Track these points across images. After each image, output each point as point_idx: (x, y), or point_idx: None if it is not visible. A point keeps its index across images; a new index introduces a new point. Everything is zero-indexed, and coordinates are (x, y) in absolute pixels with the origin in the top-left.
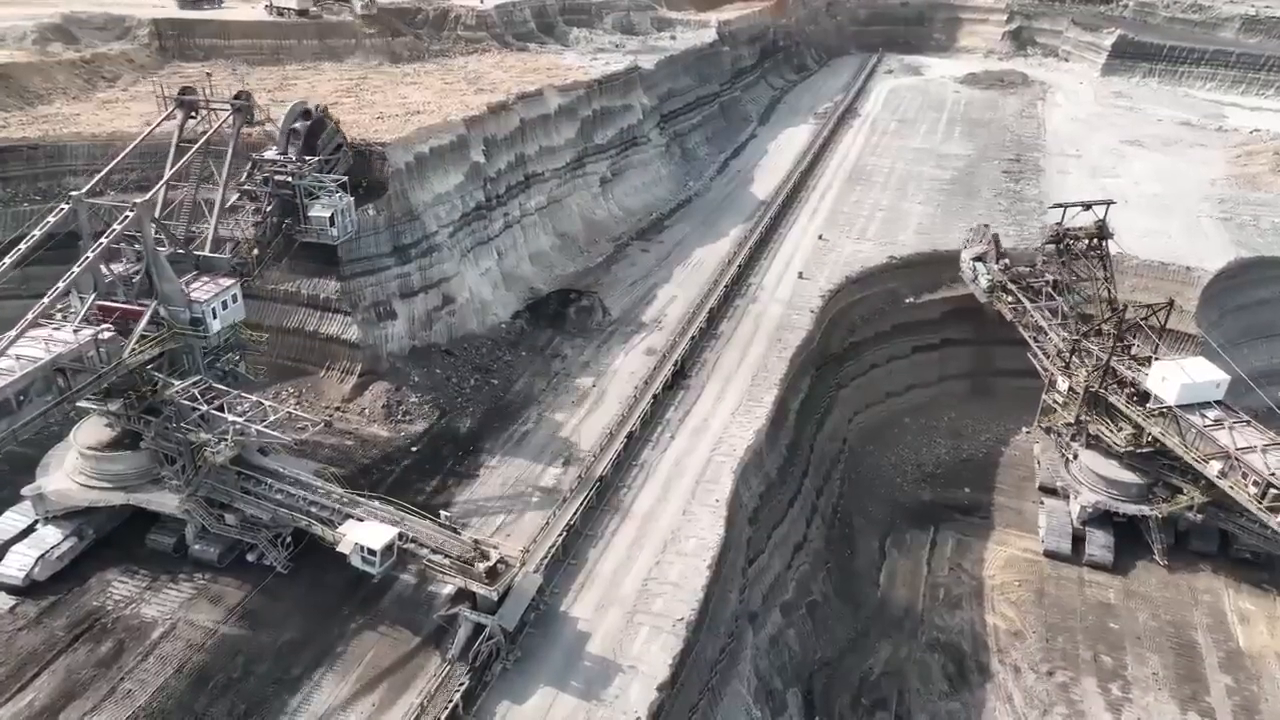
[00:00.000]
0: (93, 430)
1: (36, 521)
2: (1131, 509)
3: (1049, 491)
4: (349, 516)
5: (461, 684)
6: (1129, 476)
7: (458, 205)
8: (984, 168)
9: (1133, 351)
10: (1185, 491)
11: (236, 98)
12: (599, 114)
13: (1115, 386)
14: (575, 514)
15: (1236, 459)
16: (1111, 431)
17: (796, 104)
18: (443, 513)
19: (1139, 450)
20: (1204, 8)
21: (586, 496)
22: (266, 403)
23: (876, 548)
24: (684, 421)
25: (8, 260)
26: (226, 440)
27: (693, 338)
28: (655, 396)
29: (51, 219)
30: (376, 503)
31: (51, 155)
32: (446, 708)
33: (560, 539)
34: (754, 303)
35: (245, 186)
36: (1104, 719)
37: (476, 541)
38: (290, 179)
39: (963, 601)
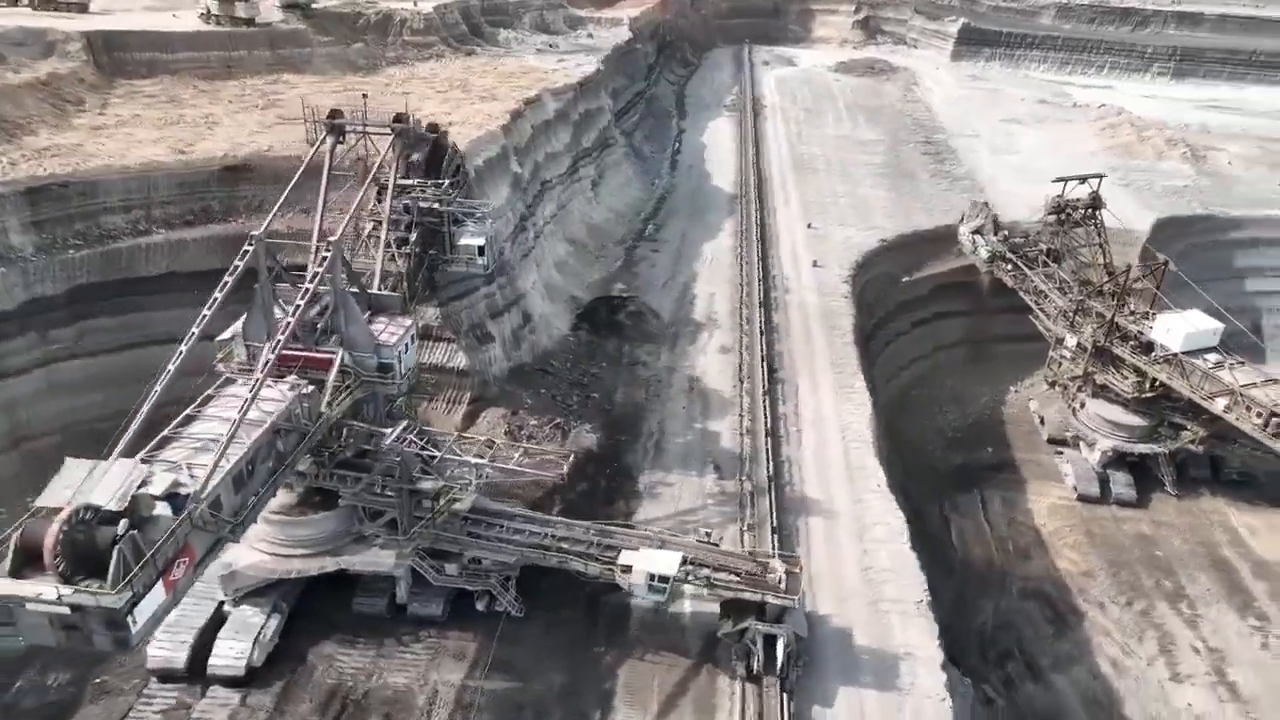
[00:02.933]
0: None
1: (222, 602)
2: (1144, 449)
3: (1058, 443)
4: (609, 547)
5: (782, 696)
6: (1136, 420)
7: (510, 218)
8: (904, 151)
9: (1130, 308)
10: (1189, 428)
11: (397, 120)
12: (584, 116)
13: (1119, 340)
14: (773, 514)
15: (1241, 395)
16: (1119, 380)
17: (699, 97)
18: (702, 529)
19: (1143, 396)
20: None
21: (772, 497)
22: (497, 441)
23: (937, 513)
24: (798, 414)
25: (207, 311)
26: (469, 485)
27: (761, 332)
28: (766, 393)
29: (239, 262)
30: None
31: (84, 193)
32: None
33: (775, 540)
34: (788, 293)
35: (381, 215)
36: (1187, 635)
37: (750, 552)
38: (436, 205)
39: (1030, 551)
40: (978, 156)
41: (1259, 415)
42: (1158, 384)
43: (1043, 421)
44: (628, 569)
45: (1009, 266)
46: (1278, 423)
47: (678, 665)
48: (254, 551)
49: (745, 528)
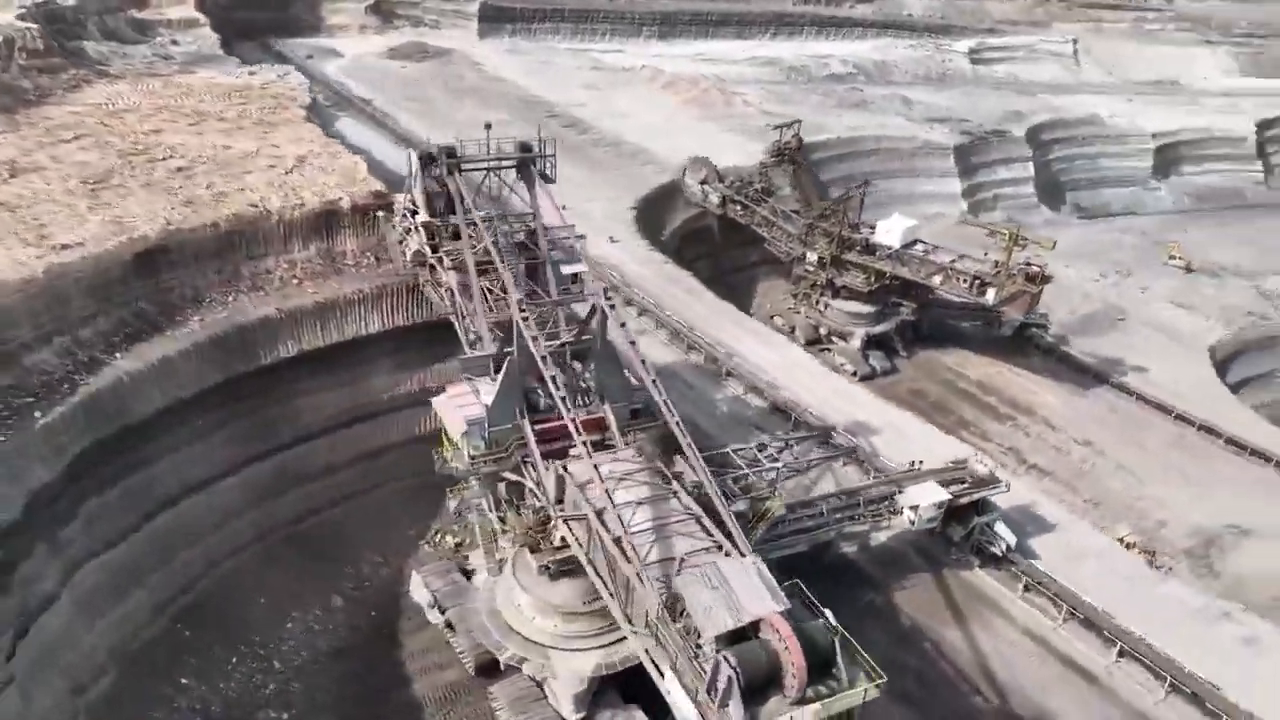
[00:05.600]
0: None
1: None
2: (882, 329)
3: (813, 343)
4: (870, 500)
5: (1033, 565)
6: (870, 308)
7: None
8: (548, 126)
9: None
10: (904, 305)
11: (524, 149)
12: None
13: (847, 249)
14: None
15: (951, 268)
16: (855, 280)
17: None
18: (915, 462)
19: (873, 288)
20: None
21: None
22: (765, 441)
23: None
24: (771, 370)
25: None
26: (777, 491)
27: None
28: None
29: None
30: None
31: None
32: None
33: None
34: (623, 268)
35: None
36: (993, 447)
37: (953, 462)
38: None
39: None
40: (604, 123)
41: (965, 281)
42: (885, 276)
43: (794, 330)
44: (915, 507)
45: (739, 207)
46: (979, 283)
47: (925, 582)
48: (569, 655)
49: (844, 465)
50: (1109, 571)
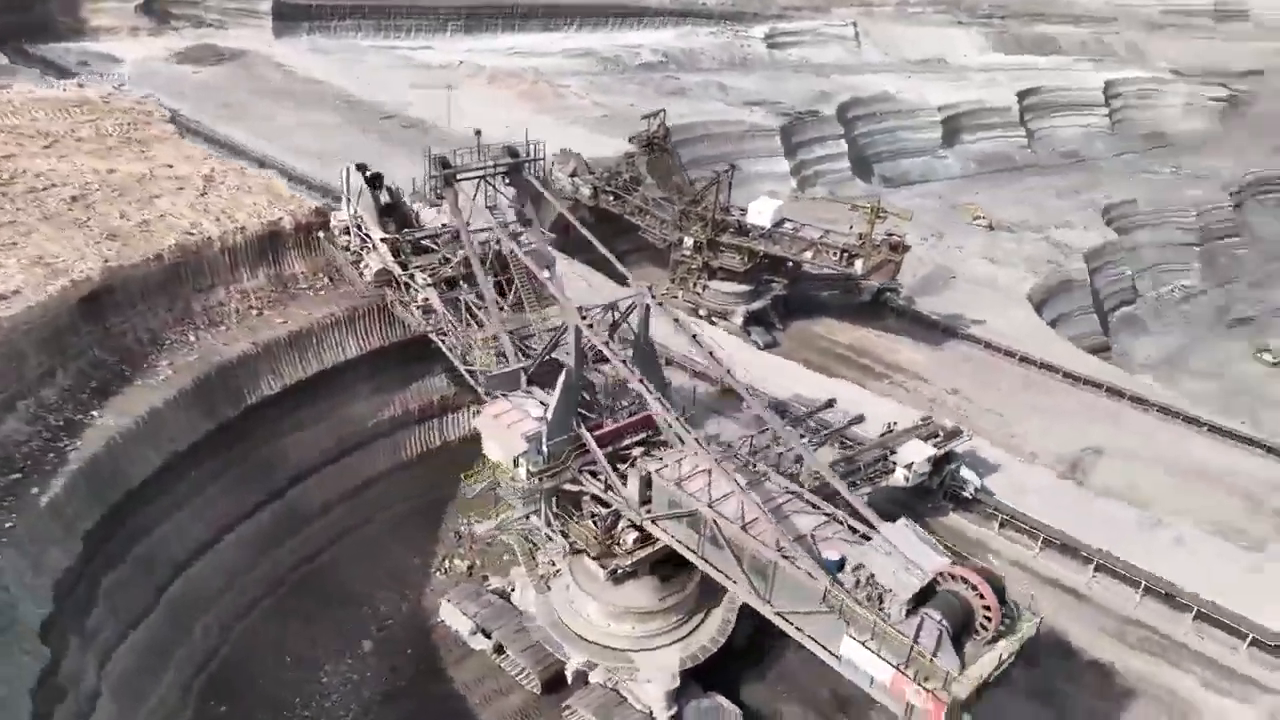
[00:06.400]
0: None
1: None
2: (758, 306)
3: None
4: (870, 463)
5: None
6: (745, 287)
7: None
8: (383, 128)
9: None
10: (775, 281)
11: (512, 154)
12: None
13: (721, 231)
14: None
15: (821, 243)
16: (731, 260)
17: None
18: (890, 424)
19: (747, 268)
20: None
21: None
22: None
23: None
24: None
25: None
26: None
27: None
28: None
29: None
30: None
31: None
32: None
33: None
34: None
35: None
36: (883, 402)
37: (922, 419)
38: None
39: None
40: (445, 122)
41: (834, 255)
42: (759, 255)
43: None
44: (910, 465)
45: (611, 198)
46: (847, 256)
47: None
48: (653, 654)
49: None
50: (1050, 499)
